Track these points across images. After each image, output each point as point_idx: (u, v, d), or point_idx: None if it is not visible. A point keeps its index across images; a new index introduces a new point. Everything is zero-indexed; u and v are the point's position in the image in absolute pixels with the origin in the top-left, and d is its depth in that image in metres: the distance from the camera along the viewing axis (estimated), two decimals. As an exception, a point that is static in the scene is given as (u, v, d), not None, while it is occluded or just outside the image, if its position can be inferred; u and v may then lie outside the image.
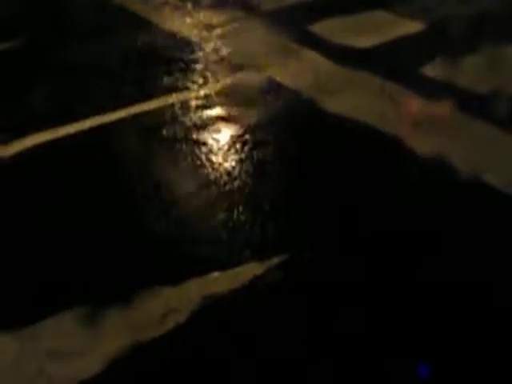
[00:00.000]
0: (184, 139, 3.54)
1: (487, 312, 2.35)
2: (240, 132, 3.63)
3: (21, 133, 3.65)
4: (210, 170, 3.26)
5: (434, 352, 2.19)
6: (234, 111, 3.85)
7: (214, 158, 3.37)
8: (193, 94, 4.07)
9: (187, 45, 4.83)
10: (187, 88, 4.15)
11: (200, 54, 4.69)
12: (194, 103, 3.97)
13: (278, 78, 4.24)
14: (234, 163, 3.32)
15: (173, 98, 4.02)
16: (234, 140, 3.55)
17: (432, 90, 4.01)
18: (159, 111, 3.85)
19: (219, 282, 2.50)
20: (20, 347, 2.22)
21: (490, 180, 3.12)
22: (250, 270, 2.55)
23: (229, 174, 3.22)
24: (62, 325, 2.31)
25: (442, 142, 3.46)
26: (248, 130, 3.64)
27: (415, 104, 3.85)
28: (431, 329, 2.28)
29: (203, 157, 3.39)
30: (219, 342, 2.23)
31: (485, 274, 2.53)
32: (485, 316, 2.33)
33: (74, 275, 2.56)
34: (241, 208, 2.94)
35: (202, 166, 3.30)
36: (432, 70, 4.25)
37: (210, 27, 5.18)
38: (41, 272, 2.59)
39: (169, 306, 2.39)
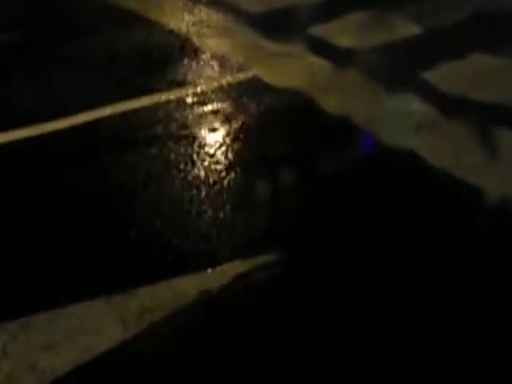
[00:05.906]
0: (177, 136, 3.55)
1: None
2: (233, 131, 3.63)
3: (4, 127, 3.62)
4: (201, 167, 3.27)
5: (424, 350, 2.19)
6: (229, 109, 3.85)
7: (205, 156, 3.38)
8: (188, 92, 4.08)
9: (185, 42, 4.83)
10: (182, 85, 4.16)
11: (197, 51, 4.69)
12: (189, 100, 3.97)
13: (271, 78, 4.23)
14: (225, 161, 3.32)
15: (167, 95, 4.03)
16: (226, 138, 3.55)
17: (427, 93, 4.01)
18: (153, 108, 3.85)
19: (207, 278, 2.52)
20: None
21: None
22: (235, 268, 2.57)
23: (221, 171, 3.23)
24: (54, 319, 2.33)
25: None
26: (241, 128, 3.64)
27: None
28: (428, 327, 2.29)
29: (195, 154, 3.39)
30: (202, 338, 2.25)
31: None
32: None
33: (67, 272, 2.58)
34: (231, 206, 2.95)
35: (194, 163, 3.30)
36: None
37: (208, 25, 5.18)
38: (31, 266, 2.61)
39: (146, 304, 2.40)
